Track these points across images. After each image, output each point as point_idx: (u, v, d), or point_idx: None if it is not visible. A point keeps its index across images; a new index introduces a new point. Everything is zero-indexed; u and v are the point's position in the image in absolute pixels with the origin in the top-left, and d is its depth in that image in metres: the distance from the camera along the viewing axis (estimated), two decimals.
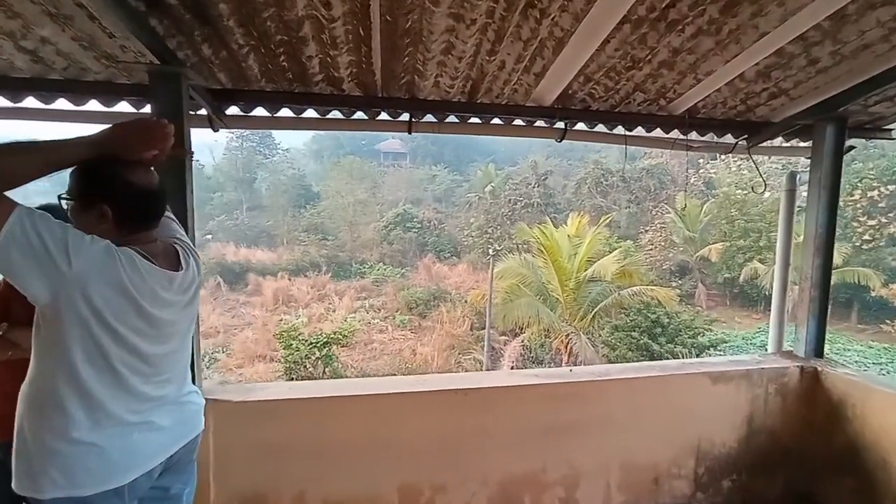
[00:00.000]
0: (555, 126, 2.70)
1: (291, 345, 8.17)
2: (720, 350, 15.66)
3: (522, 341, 15.99)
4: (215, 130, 2.43)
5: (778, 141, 3.09)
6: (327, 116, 2.54)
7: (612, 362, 14.97)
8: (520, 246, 22.61)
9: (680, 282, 24.08)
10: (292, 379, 7.99)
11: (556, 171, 37.48)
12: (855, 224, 21.02)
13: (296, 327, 8.78)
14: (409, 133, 2.63)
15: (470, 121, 2.64)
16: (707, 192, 29.40)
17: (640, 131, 2.88)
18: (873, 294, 18.97)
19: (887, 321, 18.14)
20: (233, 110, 2.43)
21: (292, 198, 41.54)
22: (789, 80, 2.24)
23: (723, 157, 29.13)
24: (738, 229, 23.35)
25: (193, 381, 1.77)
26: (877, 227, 20.42)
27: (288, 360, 8.01)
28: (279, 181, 45.20)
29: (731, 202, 23.99)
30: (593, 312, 11.80)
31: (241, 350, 15.08)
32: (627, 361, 14.15)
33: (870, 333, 18.94)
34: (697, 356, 13.93)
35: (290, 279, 24.06)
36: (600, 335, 14.58)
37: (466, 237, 31.21)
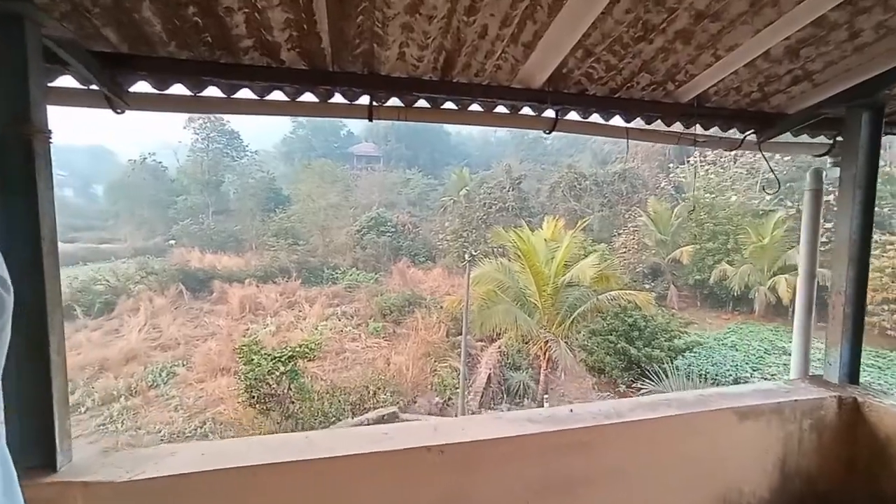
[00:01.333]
0: (544, 115, 2.30)
1: (252, 360, 7.44)
2: (695, 353, 15.76)
3: (500, 347, 15.67)
4: (116, 112, 1.89)
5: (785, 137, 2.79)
6: (267, 98, 2.05)
7: (589, 367, 14.79)
8: (496, 250, 22.39)
9: (652, 284, 24.40)
10: (253, 398, 7.27)
11: (530, 175, 37.68)
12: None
13: (257, 341, 8.05)
14: (370, 120, 2.16)
15: (444, 106, 2.20)
16: (677, 195, 30.12)
17: (638, 123, 2.51)
18: None
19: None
20: (142, 87, 1.90)
21: (261, 201, 40.40)
22: (820, 60, 1.90)
23: (690, 160, 29.87)
24: (707, 232, 23.86)
25: (53, 462, 1.25)
26: (834, 229, 21.17)
27: (248, 376, 7.28)
28: (247, 184, 44.01)
29: (700, 206, 24.51)
30: (572, 318, 11.56)
31: (202, 363, 14.15)
32: (605, 366, 13.98)
33: None
34: (672, 360, 13.92)
35: (258, 286, 23.09)
36: (577, 339, 14.40)
37: (441, 241, 30.87)
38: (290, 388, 7.68)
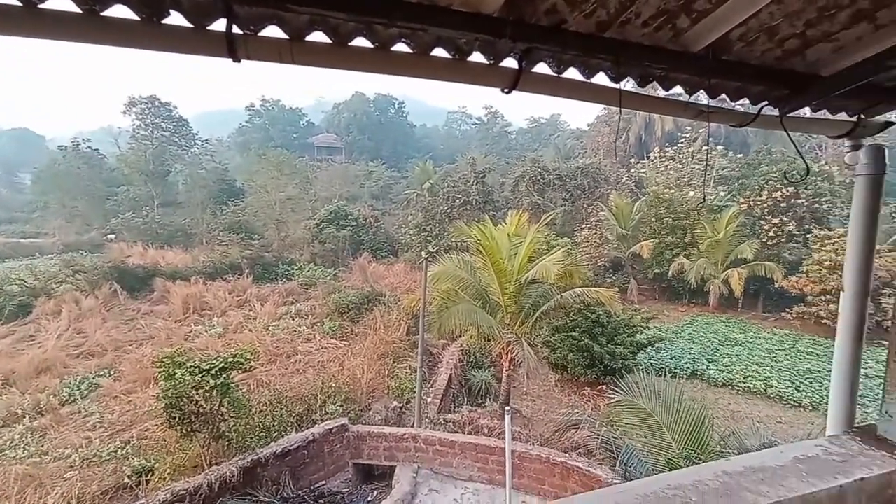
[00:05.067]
0: (502, 64, 1.60)
1: (175, 374, 6.33)
2: (657, 348, 15.81)
3: (461, 345, 15.11)
4: None
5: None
6: (43, 7, 1.23)
7: (552, 364, 14.49)
8: (458, 245, 21.80)
9: (614, 277, 24.69)
10: (174, 419, 6.12)
11: (495, 169, 37.45)
12: (762, 222, 22.75)
13: (181, 352, 6.94)
14: (236, 59, 1.38)
15: (353, 42, 1.45)
16: (637, 191, 30.72)
17: (629, 86, 1.86)
18: (776, 285, 20.62)
19: (787, 310, 19.70)
20: None
21: (212, 193, 38.14)
22: None
23: (651, 155, 30.40)
24: (666, 227, 24.33)
25: None
26: (779, 224, 22.25)
27: (168, 395, 6.16)
28: (197, 175, 41.45)
29: (659, 200, 24.94)
30: (535, 316, 11.09)
31: (133, 371, 12.71)
32: (568, 363, 13.70)
33: (772, 321, 20.52)
34: (634, 355, 13.83)
35: (205, 284, 21.52)
36: (540, 334, 14.07)
37: (404, 235, 30.10)
38: (221, 405, 6.69)
